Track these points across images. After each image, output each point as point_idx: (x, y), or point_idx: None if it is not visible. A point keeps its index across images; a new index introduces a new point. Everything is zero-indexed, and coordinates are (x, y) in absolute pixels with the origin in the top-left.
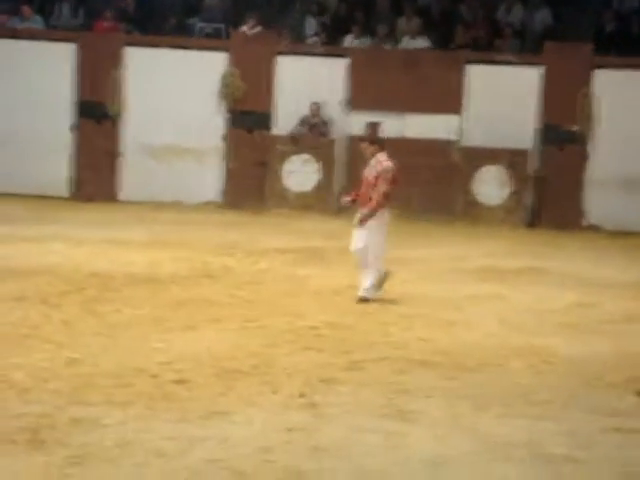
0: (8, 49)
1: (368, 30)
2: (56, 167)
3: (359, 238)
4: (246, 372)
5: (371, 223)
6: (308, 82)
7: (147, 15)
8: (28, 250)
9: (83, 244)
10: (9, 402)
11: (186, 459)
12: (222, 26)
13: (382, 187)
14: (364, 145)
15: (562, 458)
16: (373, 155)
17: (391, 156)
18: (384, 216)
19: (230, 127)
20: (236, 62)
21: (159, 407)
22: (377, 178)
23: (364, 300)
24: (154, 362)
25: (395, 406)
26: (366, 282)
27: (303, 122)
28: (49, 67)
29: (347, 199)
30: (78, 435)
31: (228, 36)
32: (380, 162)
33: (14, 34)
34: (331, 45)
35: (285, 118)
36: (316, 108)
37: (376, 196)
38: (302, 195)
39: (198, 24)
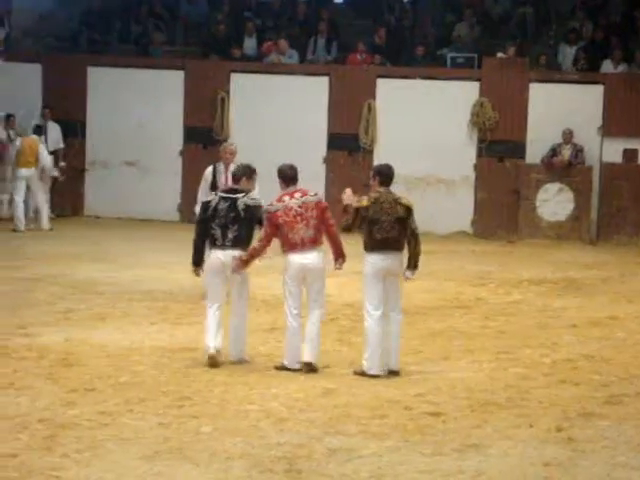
0: (264, 84)
1: (627, 56)
2: None
3: None
4: (501, 404)
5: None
6: (561, 109)
7: (398, 47)
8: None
9: (336, 275)
10: (266, 431)
11: None
12: (474, 55)
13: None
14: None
15: None
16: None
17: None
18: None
19: (481, 156)
20: (487, 91)
21: (414, 439)
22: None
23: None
24: (409, 394)
25: None
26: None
27: (555, 150)
28: (303, 101)
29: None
30: (334, 465)
31: (480, 65)
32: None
33: (269, 69)
34: (588, 72)
35: (538, 146)
36: (569, 135)
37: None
38: (556, 224)
39: (449, 54)
